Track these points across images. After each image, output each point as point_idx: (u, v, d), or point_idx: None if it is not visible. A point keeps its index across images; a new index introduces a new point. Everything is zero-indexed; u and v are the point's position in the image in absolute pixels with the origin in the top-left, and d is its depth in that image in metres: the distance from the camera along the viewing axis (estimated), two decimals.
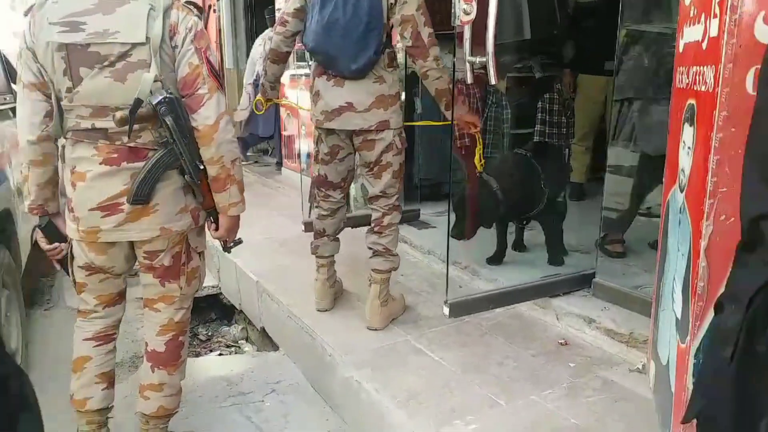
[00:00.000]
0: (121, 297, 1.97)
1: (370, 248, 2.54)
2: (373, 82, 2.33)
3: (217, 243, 2.04)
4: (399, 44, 2.42)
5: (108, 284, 1.88)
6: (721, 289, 1.39)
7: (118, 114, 1.61)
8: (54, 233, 1.84)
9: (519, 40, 3.84)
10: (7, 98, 3.30)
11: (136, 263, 1.87)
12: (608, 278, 2.56)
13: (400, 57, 3.15)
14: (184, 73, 1.68)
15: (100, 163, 1.67)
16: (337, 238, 2.71)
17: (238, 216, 1.91)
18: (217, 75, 1.77)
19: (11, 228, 2.71)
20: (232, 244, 2.00)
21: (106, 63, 1.62)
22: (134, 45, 1.62)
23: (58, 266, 1.96)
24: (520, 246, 3.22)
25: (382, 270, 2.52)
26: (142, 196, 1.68)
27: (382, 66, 2.33)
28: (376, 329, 2.51)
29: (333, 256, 2.71)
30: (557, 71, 4.40)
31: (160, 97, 1.62)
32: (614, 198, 2.91)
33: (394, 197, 2.52)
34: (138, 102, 1.61)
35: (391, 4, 2.23)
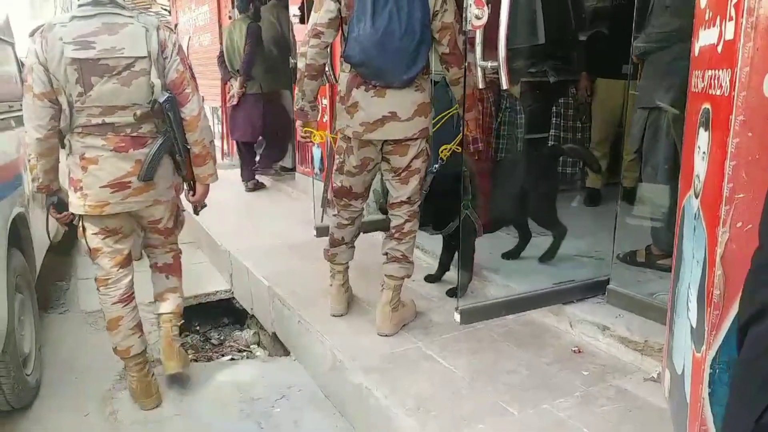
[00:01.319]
0: (130, 260, 2.40)
1: (387, 254, 2.52)
2: (415, 90, 2.33)
3: (228, 247, 2.40)
4: None
5: (121, 244, 2.33)
6: (738, 298, 1.36)
7: (138, 111, 2.14)
8: (62, 205, 2.32)
9: (533, 45, 3.80)
10: (17, 105, 3.35)
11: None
12: (622, 285, 2.52)
13: None
14: (173, 77, 2.19)
15: (111, 150, 2.15)
16: (354, 245, 2.71)
17: (209, 184, 2.45)
18: (194, 76, 2.34)
19: (26, 232, 2.74)
20: (200, 208, 2.55)
21: (114, 72, 2.09)
22: (137, 58, 2.11)
23: (66, 228, 2.79)
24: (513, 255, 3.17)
25: (397, 276, 2.51)
26: (150, 174, 2.19)
27: (421, 74, 2.33)
28: (386, 335, 2.49)
29: (348, 262, 2.71)
30: (572, 75, 4.37)
31: (166, 96, 2.15)
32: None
33: (416, 204, 2.53)
34: (155, 102, 2.13)
35: (435, 12, 2.25)
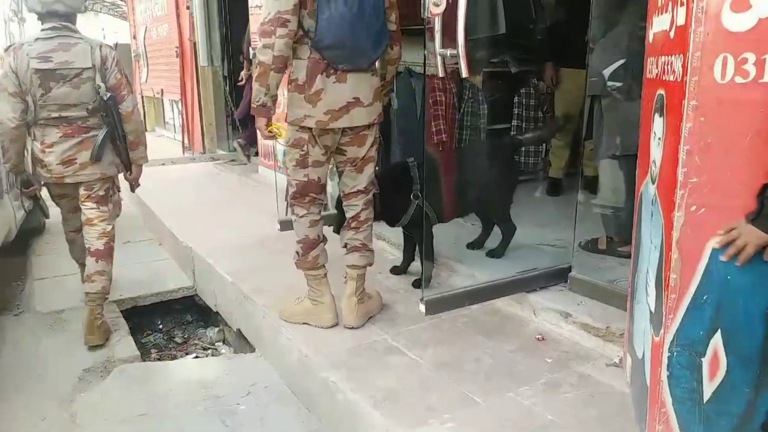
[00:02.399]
0: (78, 210, 2.99)
1: (347, 244, 2.51)
2: (371, 74, 2.34)
3: (190, 243, 3.28)
4: None
5: (69, 202, 3.03)
6: (694, 282, 1.39)
7: (90, 107, 2.78)
8: (29, 181, 2.98)
9: (494, 35, 3.81)
10: None
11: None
12: (584, 273, 2.55)
13: None
14: (113, 83, 2.82)
15: (61, 136, 2.79)
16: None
17: (142, 165, 3.05)
18: (130, 82, 2.95)
19: None
20: (136, 186, 3.12)
21: (67, 79, 2.73)
22: (84, 68, 2.75)
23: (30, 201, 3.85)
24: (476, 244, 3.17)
25: (359, 265, 2.49)
26: (99, 156, 2.84)
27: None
28: (352, 327, 2.47)
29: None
30: (534, 66, 4.40)
31: (108, 95, 2.79)
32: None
33: (371, 192, 2.52)
34: (101, 99, 2.77)
35: None
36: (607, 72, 2.78)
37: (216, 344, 3.30)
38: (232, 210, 4.66)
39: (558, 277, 2.61)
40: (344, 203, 2.54)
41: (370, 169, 2.48)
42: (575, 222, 2.64)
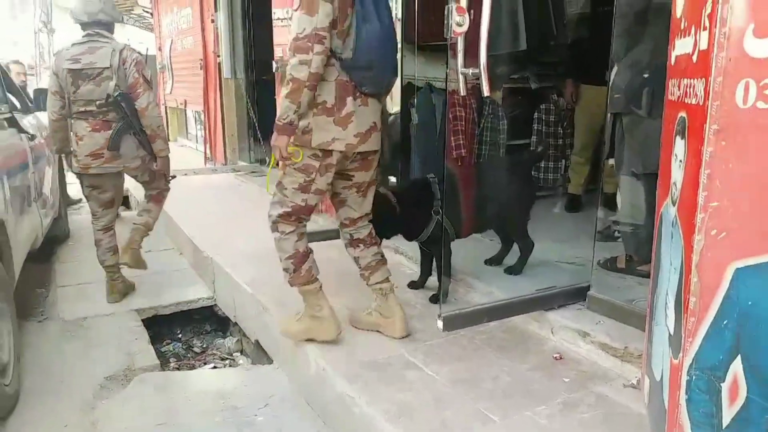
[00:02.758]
0: (112, 204, 3.44)
1: (372, 262, 2.51)
2: (379, 100, 2.36)
3: (210, 253, 3.59)
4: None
5: (103, 194, 3.38)
6: (713, 306, 1.38)
7: (103, 101, 3.16)
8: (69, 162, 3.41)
9: (515, 51, 3.83)
10: (3, 109, 3.32)
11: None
12: (603, 291, 2.54)
13: None
14: (131, 81, 3.18)
15: (90, 130, 3.19)
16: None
17: (167, 157, 3.39)
18: (148, 81, 3.23)
19: (4, 239, 2.70)
20: (170, 177, 3.59)
21: (91, 78, 3.16)
22: (104, 68, 3.15)
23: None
24: (495, 261, 3.17)
25: (388, 277, 2.54)
26: (114, 146, 3.19)
27: None
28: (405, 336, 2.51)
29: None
30: (554, 82, 4.40)
31: (118, 93, 3.14)
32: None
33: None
34: (109, 96, 3.15)
35: None
36: (629, 89, 2.79)
37: (234, 354, 3.33)
38: (252, 221, 4.68)
39: (576, 295, 2.60)
40: (350, 228, 2.52)
41: (371, 193, 2.51)
42: (594, 240, 2.64)
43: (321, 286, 2.48)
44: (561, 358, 2.34)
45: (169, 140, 3.74)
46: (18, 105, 3.91)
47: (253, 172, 6.63)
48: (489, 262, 3.16)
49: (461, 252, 2.97)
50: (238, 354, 3.32)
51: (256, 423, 2.38)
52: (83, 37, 3.21)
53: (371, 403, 2.06)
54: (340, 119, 2.21)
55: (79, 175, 3.33)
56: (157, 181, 3.51)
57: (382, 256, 2.55)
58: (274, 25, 5.21)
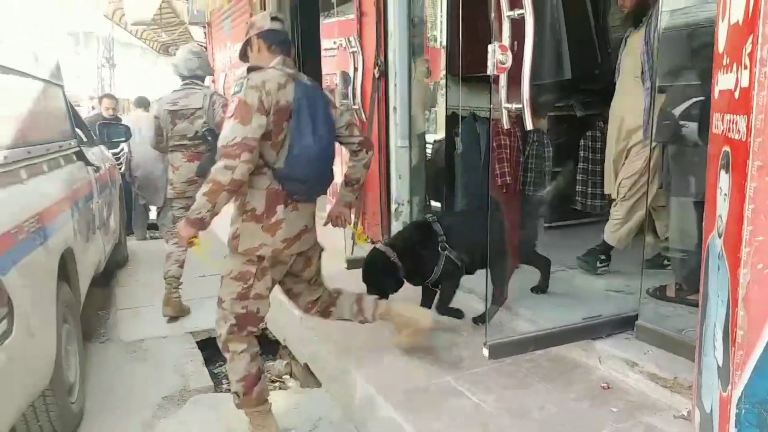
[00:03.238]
0: None
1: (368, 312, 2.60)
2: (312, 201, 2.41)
3: None
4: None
5: None
6: (762, 340, 1.38)
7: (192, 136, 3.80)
8: None
9: (560, 80, 3.87)
10: (72, 143, 3.54)
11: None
12: (651, 321, 2.52)
13: None
14: (217, 120, 3.66)
15: (185, 161, 3.79)
16: None
17: None
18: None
19: (73, 266, 2.87)
20: None
21: (185, 117, 3.78)
22: (197, 109, 3.77)
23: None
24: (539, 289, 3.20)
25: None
26: (201, 174, 3.56)
27: None
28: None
29: None
30: (599, 109, 4.40)
31: (206, 129, 3.73)
32: None
33: None
34: (197, 132, 3.79)
35: (339, 118, 2.37)
36: (677, 111, 2.79)
37: (284, 377, 3.41)
38: None
39: (624, 324, 2.59)
40: (315, 308, 2.59)
41: (321, 277, 2.60)
42: (642, 268, 2.63)
43: (271, 407, 2.39)
44: (609, 388, 2.33)
45: None
46: (84, 138, 4.16)
47: None
48: (536, 290, 3.19)
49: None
50: (288, 377, 3.40)
51: None
52: (182, 85, 3.87)
53: (418, 430, 2.10)
54: (269, 226, 2.22)
55: (173, 200, 3.88)
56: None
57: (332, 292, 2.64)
58: (322, 56, 5.39)
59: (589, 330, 2.58)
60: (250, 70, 2.21)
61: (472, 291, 3.31)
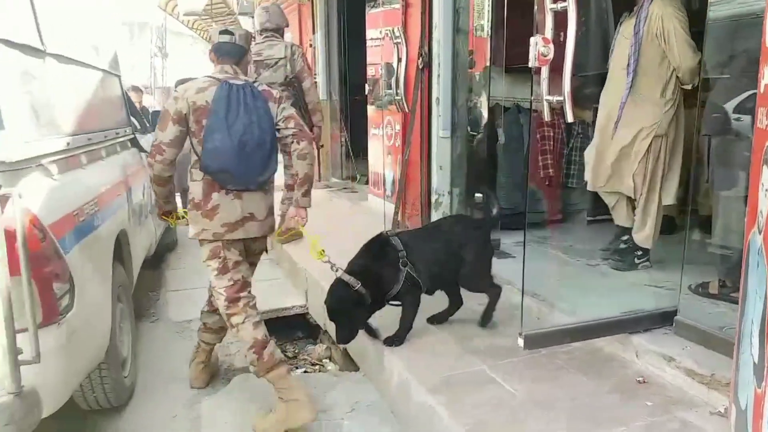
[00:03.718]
0: None
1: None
2: (266, 194, 2.61)
3: (304, 264, 3.53)
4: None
5: None
6: None
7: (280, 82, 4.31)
8: None
9: (605, 71, 3.82)
10: (127, 131, 3.70)
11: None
12: (691, 317, 2.50)
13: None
14: (297, 68, 4.34)
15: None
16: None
17: (321, 127, 4.60)
18: (310, 68, 4.57)
19: (127, 247, 3.03)
20: (321, 145, 4.82)
21: (269, 66, 4.30)
22: (279, 59, 4.31)
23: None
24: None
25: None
26: None
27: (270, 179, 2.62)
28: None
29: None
30: None
31: (293, 76, 4.36)
32: None
33: None
34: (287, 77, 4.35)
35: (277, 113, 2.53)
36: (732, 104, 2.73)
37: (323, 361, 3.51)
38: (342, 235, 4.88)
39: (663, 319, 2.57)
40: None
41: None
42: (682, 263, 2.60)
43: (289, 370, 2.58)
44: (644, 382, 2.33)
45: None
46: (138, 126, 4.35)
47: (344, 188, 6.91)
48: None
49: (545, 273, 3.00)
50: (327, 360, 3.50)
51: (343, 427, 2.53)
52: (263, 38, 4.41)
53: (452, 416, 2.15)
54: (207, 212, 2.47)
55: None
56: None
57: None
58: (367, 45, 5.45)
59: (627, 324, 2.57)
60: (178, 83, 2.68)
61: (510, 282, 3.33)
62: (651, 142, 3.17)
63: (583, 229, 4.36)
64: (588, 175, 3.50)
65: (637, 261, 3.38)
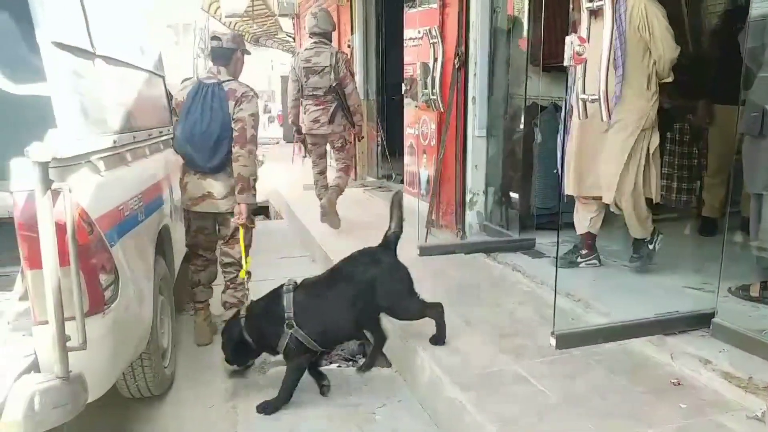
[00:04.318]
0: (323, 155, 5.33)
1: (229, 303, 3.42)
2: (228, 177, 3.12)
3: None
4: None
5: (318, 148, 5.19)
6: None
7: (326, 88, 4.86)
8: (299, 130, 5.20)
9: None
10: (170, 129, 3.82)
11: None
12: (730, 319, 2.45)
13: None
14: (341, 75, 4.82)
15: (315, 106, 4.89)
16: (211, 286, 3.50)
17: (361, 126, 5.25)
18: (353, 74, 5.07)
19: (169, 242, 3.13)
20: (361, 137, 5.49)
21: (317, 72, 4.80)
22: (325, 66, 4.79)
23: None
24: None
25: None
26: (332, 119, 4.86)
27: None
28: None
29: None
30: (689, 101, 4.24)
31: (336, 83, 4.81)
32: None
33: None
34: (331, 85, 4.83)
35: (233, 112, 3.06)
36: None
37: (356, 357, 3.55)
38: (377, 233, 4.93)
39: (700, 321, 2.54)
40: (224, 269, 3.43)
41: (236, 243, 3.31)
42: (721, 265, 2.55)
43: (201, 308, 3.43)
44: (679, 384, 2.29)
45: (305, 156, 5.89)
46: None
47: (379, 187, 6.95)
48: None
49: (579, 273, 2.98)
50: (361, 356, 3.54)
51: (375, 421, 2.57)
52: (312, 44, 4.90)
53: (483, 413, 2.17)
54: (182, 187, 3.24)
55: (306, 134, 5.02)
56: (347, 152, 5.13)
57: (240, 301, 3.37)
58: (404, 45, 5.47)
59: (662, 325, 2.54)
60: (183, 81, 3.75)
61: (545, 282, 3.32)
62: (638, 137, 3.11)
63: (619, 229, 4.30)
64: (568, 180, 3.35)
65: (579, 259, 3.39)
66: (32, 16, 1.97)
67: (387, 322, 3.08)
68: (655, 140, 3.19)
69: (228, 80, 3.14)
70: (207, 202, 3.15)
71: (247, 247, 3.29)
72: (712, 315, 2.50)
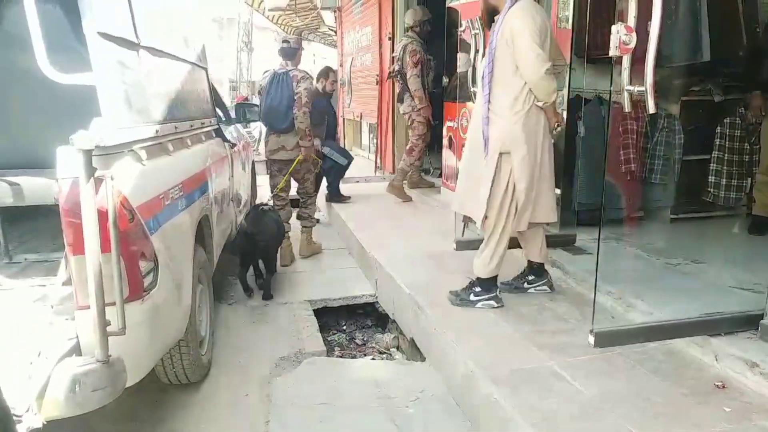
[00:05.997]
0: None
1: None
2: (294, 135, 4.42)
3: (375, 255, 4.06)
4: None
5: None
6: None
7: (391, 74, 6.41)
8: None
9: (696, 62, 3.62)
10: (212, 121, 3.88)
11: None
12: None
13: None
14: (406, 65, 5.97)
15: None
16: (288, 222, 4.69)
17: (425, 107, 5.98)
18: (415, 63, 5.83)
19: (209, 231, 3.18)
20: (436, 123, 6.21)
21: (398, 59, 6.10)
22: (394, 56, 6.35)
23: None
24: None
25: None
26: (400, 100, 6.19)
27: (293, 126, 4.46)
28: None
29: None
30: (741, 94, 4.07)
31: (398, 69, 6.16)
32: None
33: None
34: (392, 71, 6.43)
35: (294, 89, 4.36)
36: None
37: (391, 350, 3.56)
38: (413, 227, 4.96)
39: (748, 323, 2.43)
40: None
41: (306, 183, 4.77)
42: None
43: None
44: (723, 387, 2.21)
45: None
46: (223, 117, 4.54)
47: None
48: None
49: (621, 271, 2.90)
50: (395, 350, 3.55)
51: (407, 414, 2.56)
52: (405, 35, 6.02)
53: (517, 409, 2.14)
54: (265, 143, 4.60)
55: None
56: (413, 132, 5.91)
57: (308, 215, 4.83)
58: (446, 37, 5.42)
59: (707, 325, 2.45)
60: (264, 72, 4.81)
61: (585, 279, 3.25)
62: (498, 161, 2.83)
63: (664, 227, 4.18)
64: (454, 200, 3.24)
65: (527, 285, 3.21)
66: (79, 7, 2.02)
67: (423, 317, 3.08)
68: (542, 169, 2.89)
69: (292, 69, 4.42)
70: (281, 152, 4.46)
71: (316, 184, 5.04)
72: (761, 316, 2.40)
